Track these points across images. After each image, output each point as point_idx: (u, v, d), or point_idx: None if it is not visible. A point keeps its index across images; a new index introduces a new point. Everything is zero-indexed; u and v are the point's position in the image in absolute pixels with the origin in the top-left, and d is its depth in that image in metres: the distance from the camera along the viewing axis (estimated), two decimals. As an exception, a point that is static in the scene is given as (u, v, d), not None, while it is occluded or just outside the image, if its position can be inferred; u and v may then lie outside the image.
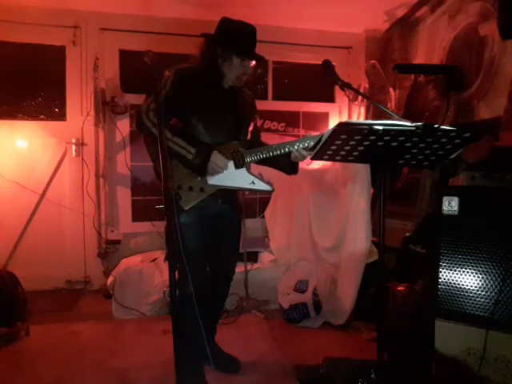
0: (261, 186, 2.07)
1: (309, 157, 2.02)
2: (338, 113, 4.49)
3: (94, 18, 3.82)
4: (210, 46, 2.06)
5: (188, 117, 2.04)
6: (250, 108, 2.25)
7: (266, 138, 2.37)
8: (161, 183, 1.88)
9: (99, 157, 3.89)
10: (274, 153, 2.04)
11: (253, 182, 2.07)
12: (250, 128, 2.22)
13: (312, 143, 1.99)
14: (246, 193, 3.73)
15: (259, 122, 4.25)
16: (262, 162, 2.12)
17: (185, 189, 2.01)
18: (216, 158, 1.98)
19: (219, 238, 2.22)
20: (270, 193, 2.18)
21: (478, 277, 1.78)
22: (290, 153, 2.07)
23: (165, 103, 1.90)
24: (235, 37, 2.03)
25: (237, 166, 2.04)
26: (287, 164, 2.15)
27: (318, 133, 4.20)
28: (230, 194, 2.16)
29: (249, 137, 2.20)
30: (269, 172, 2.29)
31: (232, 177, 2.04)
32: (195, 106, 2.03)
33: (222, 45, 2.03)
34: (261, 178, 2.11)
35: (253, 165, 2.22)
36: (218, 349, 2.38)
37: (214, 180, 2.02)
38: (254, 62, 2.10)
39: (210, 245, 2.16)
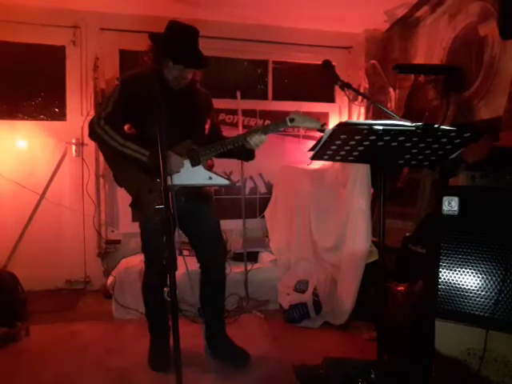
0: (218, 180, 2.17)
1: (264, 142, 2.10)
2: (338, 113, 4.48)
3: (94, 18, 3.81)
4: (154, 50, 2.10)
5: (140, 122, 2.11)
6: (205, 106, 2.31)
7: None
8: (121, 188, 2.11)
9: (99, 157, 3.88)
10: (228, 147, 2.11)
11: (210, 178, 2.14)
12: (207, 125, 2.28)
13: (264, 135, 2.07)
14: (246, 193, 3.72)
15: (260, 122, 4.25)
16: (220, 155, 2.19)
17: (144, 192, 2.07)
18: (172, 159, 2.04)
19: (195, 232, 2.34)
20: (227, 186, 2.26)
21: (478, 277, 1.77)
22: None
23: (115, 111, 2.04)
24: (169, 41, 2.06)
25: (193, 164, 2.11)
26: (244, 153, 2.24)
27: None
28: (192, 191, 2.21)
29: (207, 132, 2.27)
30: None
31: (190, 175, 2.11)
32: (145, 110, 2.04)
33: (159, 49, 2.07)
34: (217, 173, 2.19)
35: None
36: (228, 341, 2.43)
37: (173, 180, 2.05)
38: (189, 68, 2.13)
39: (190, 240, 2.36)
